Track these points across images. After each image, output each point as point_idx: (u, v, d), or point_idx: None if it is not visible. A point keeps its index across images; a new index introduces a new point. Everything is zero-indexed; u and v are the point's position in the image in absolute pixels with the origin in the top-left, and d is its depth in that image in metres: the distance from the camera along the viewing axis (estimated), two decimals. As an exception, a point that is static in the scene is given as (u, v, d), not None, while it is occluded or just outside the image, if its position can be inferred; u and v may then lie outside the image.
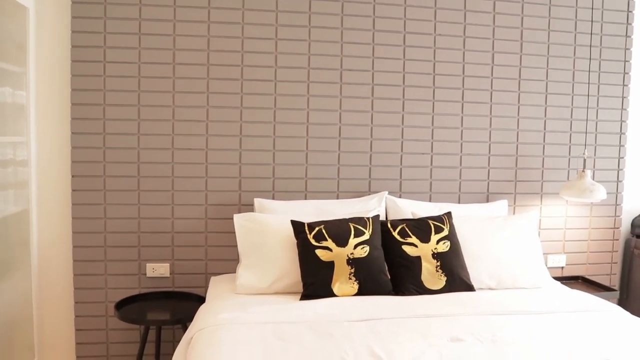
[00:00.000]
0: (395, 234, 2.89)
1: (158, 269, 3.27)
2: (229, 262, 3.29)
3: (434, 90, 3.48)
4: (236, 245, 3.01)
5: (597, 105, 3.73)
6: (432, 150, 3.50)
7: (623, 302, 3.87)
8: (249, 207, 3.28)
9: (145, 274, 3.26)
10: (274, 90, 3.30)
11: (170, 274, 3.29)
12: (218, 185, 3.29)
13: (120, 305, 3.08)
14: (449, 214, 3.06)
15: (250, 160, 3.30)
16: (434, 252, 2.84)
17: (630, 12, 3.76)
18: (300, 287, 2.75)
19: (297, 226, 2.82)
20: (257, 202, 3.21)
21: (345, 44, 3.36)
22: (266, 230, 2.92)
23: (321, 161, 3.38)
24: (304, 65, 3.32)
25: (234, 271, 3.13)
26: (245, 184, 3.31)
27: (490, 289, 3.00)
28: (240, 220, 2.99)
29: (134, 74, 3.17)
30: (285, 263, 2.83)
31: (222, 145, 3.27)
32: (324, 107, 3.36)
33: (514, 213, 3.63)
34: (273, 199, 3.32)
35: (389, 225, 2.94)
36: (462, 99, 3.52)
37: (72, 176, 3.17)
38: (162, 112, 3.20)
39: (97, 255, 3.21)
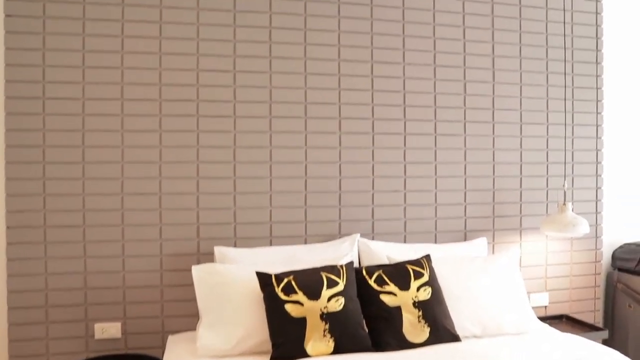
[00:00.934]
0: (371, 282, 2.63)
1: (108, 330, 2.92)
2: (188, 318, 2.96)
3: (404, 123, 3.27)
4: (196, 299, 2.69)
5: (573, 135, 3.59)
6: (405, 187, 3.28)
7: (609, 339, 3.68)
8: (209, 257, 2.98)
9: (94, 336, 2.90)
10: (233, 127, 3.04)
11: (122, 334, 2.94)
12: (174, 233, 2.98)
13: (65, 373, 2.73)
14: (428, 257, 2.82)
15: (209, 205, 3.01)
16: (414, 301, 2.59)
17: (599, 39, 3.66)
18: (269, 347, 2.45)
19: (264, 278, 2.53)
20: (218, 250, 2.92)
21: (309, 75, 3.13)
22: (228, 283, 2.62)
23: (287, 203, 3.11)
24: (265, 99, 3.08)
25: (194, 328, 2.82)
26: (204, 231, 3.01)
27: (475, 337, 2.76)
28: (199, 273, 2.68)
29: (78, 111, 2.87)
30: (251, 320, 2.53)
31: (177, 189, 2.97)
32: (288, 144, 3.11)
33: (493, 251, 3.42)
34: (235, 246, 3.03)
35: (364, 272, 2.67)
36: (435, 131, 3.32)
37: (7, 227, 2.81)
38: (109, 154, 2.90)
39: (37, 316, 2.84)
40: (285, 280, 2.49)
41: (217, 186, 3.02)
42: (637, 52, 3.88)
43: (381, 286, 2.61)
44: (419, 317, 2.56)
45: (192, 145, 2.99)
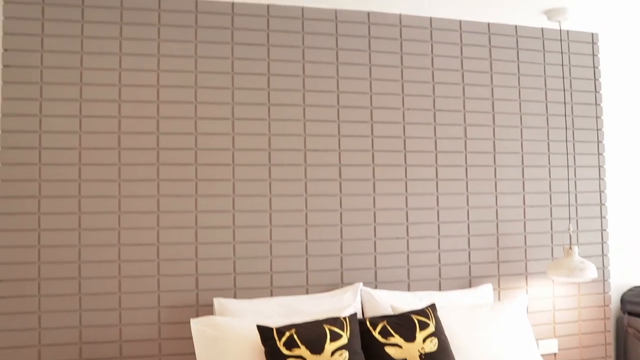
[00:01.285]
0: (376, 333, 2.55)
1: (104, 387, 2.82)
2: (187, 373, 2.87)
3: (405, 169, 3.23)
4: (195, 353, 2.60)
5: (575, 176, 3.55)
6: (407, 234, 3.21)
7: (621, 388, 3.57)
8: (209, 308, 2.90)
9: (89, 393, 2.80)
10: (232, 176, 3.00)
11: (119, 391, 2.84)
12: (172, 285, 2.90)
13: None
14: (433, 307, 2.74)
15: (208, 255, 2.94)
16: (421, 353, 2.50)
17: (597, 80, 3.66)
18: (270, 404, 2.35)
19: (265, 332, 2.44)
20: (217, 302, 2.83)
21: (308, 121, 3.11)
22: (229, 337, 2.53)
23: (287, 252, 3.04)
24: (264, 146, 3.04)
25: (194, 384, 2.72)
26: (204, 282, 2.93)
27: (484, 389, 2.66)
28: (198, 326, 2.60)
29: (74, 161, 2.82)
30: (252, 376, 2.44)
31: (175, 239, 2.91)
32: (288, 192, 3.06)
33: (499, 297, 3.34)
34: (235, 297, 2.95)
35: (368, 323, 2.59)
36: (437, 176, 3.28)
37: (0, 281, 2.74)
38: (105, 204, 2.84)
39: (30, 374, 2.75)
40: (287, 333, 2.41)
41: (216, 236, 2.96)
42: (634, 91, 3.87)
43: (386, 338, 2.53)
44: (426, 370, 2.47)
45: (190, 194, 2.94)
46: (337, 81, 3.16)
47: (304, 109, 3.11)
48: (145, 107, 2.91)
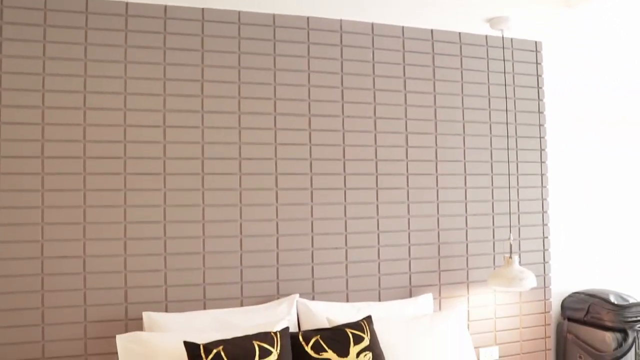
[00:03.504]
0: (308, 348, 2.48)
1: (25, 406, 2.68)
2: (115, 389, 2.75)
3: (344, 177, 3.17)
4: (123, 370, 2.49)
5: (518, 184, 3.54)
6: (346, 244, 3.15)
7: (561, 395, 3.59)
8: (138, 322, 2.78)
9: (9, 414, 2.66)
10: (164, 185, 2.88)
11: (41, 410, 2.70)
12: (100, 298, 2.77)
13: None
14: (368, 319, 2.69)
15: (138, 267, 2.82)
16: (354, 368, 2.44)
17: (541, 88, 3.66)
18: None
19: (192, 348, 2.34)
20: (146, 316, 2.72)
21: (243, 129, 3.02)
22: (155, 354, 2.44)
23: (221, 264, 2.94)
24: (197, 155, 2.94)
25: (121, 401, 2.60)
26: (133, 295, 2.81)
27: (420, 402, 2.62)
28: (124, 343, 2.49)
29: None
30: (178, 395, 2.34)
31: (102, 251, 2.78)
32: (221, 202, 2.96)
33: (440, 306, 3.31)
34: (166, 310, 2.84)
35: (300, 338, 2.52)
36: (377, 185, 3.23)
37: None
38: (25, 215, 2.70)
39: (-56, 396, 2.60)
40: (215, 351, 2.32)
41: (147, 247, 2.84)
42: (577, 99, 3.90)
43: (318, 353, 2.46)
44: (358, 385, 2.41)
45: (118, 204, 2.81)
46: (274, 87, 3.08)
47: (239, 116, 3.01)
48: (71, 113, 2.78)
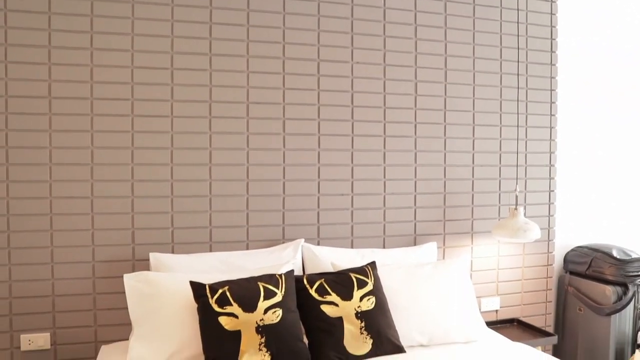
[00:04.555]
0: (312, 291, 2.51)
1: (36, 341, 2.74)
2: (123, 327, 2.80)
3: (352, 124, 3.15)
4: (129, 309, 2.54)
5: (526, 137, 3.52)
6: (352, 191, 3.16)
7: (559, 343, 3.64)
8: (145, 263, 2.82)
9: (20, 348, 2.72)
10: (171, 128, 2.88)
11: (52, 345, 2.76)
12: (108, 239, 2.81)
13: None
14: (372, 265, 2.71)
15: (145, 209, 2.85)
16: (357, 311, 2.47)
17: (554, 39, 3.60)
18: (203, 361, 2.31)
19: (197, 288, 2.38)
20: (153, 257, 2.76)
21: (251, 73, 2.99)
22: (161, 293, 2.47)
23: (227, 207, 2.96)
24: (205, 98, 2.92)
25: (129, 338, 2.66)
26: (140, 236, 2.85)
27: (421, 346, 2.68)
28: (131, 282, 2.52)
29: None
30: (184, 333, 2.39)
31: (110, 192, 2.80)
32: (229, 146, 2.96)
33: (444, 256, 3.34)
34: (173, 252, 2.88)
35: (305, 281, 2.55)
36: (384, 132, 3.21)
37: None
38: (35, 154, 2.71)
39: (-44, 329, 2.66)
40: (220, 291, 2.35)
41: (154, 189, 2.85)
42: (591, 54, 3.83)
43: (322, 296, 2.49)
44: (361, 328, 2.45)
45: (126, 146, 2.81)
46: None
47: (247, 60, 2.98)
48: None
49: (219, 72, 2.93)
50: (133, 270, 2.81)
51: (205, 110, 2.92)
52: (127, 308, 2.56)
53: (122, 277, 2.66)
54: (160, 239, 2.87)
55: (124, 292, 2.59)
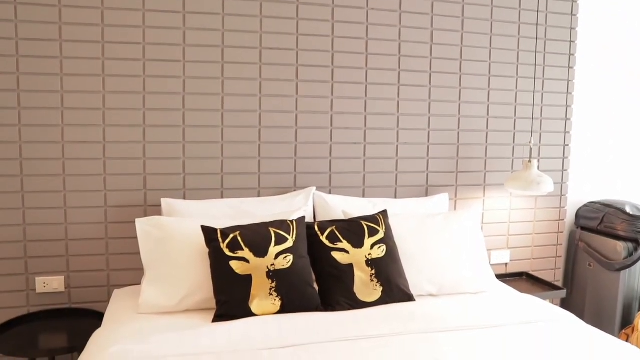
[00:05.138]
0: (323, 238, 2.52)
1: (50, 283, 2.78)
2: (135, 272, 2.83)
3: (366, 72, 3.10)
4: (141, 253, 2.56)
5: (543, 89, 3.46)
6: (365, 140, 3.13)
7: (568, 297, 3.66)
8: (157, 209, 2.83)
9: (35, 290, 2.77)
10: (182, 73, 2.84)
11: (66, 288, 2.81)
12: (119, 184, 2.81)
13: (4, 328, 2.60)
14: (384, 213, 2.71)
15: (157, 154, 2.84)
16: (367, 259, 2.48)
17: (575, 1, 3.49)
18: (214, 305, 2.33)
19: (209, 233, 2.39)
20: (165, 202, 2.77)
21: (265, 18, 2.93)
22: (173, 238, 2.49)
23: (239, 154, 2.94)
24: (216, 43, 2.87)
25: (140, 282, 2.69)
26: (152, 182, 2.85)
27: (431, 295, 2.69)
28: (143, 226, 2.54)
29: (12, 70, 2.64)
30: (196, 277, 2.41)
31: (122, 137, 2.79)
32: (241, 92, 2.92)
33: (455, 207, 3.33)
34: (184, 198, 2.88)
35: (316, 228, 2.55)
36: (398, 81, 3.16)
37: (-61, 176, 2.64)
38: (48, 99, 2.69)
39: (-27, 270, 2.70)
40: (231, 235, 2.36)
41: (165, 135, 2.84)
42: (610, 15, 3.72)
43: (333, 243, 2.50)
44: (371, 275, 2.46)
45: (138, 91, 2.79)
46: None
47: (260, 3, 2.92)
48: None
49: (232, 16, 2.88)
50: (145, 216, 2.82)
51: (217, 55, 2.87)
52: (139, 253, 2.59)
53: (134, 222, 2.68)
54: (172, 184, 2.87)
55: (136, 237, 2.62)
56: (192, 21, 2.83)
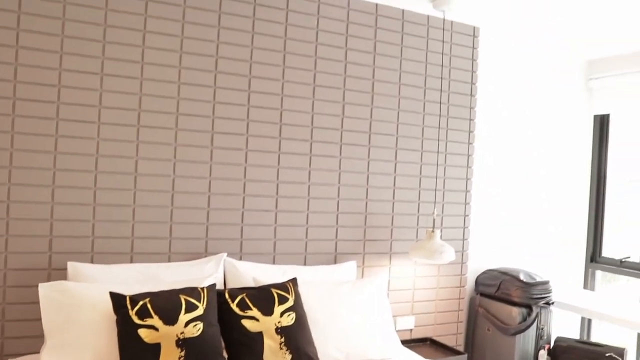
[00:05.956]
0: (234, 305, 2.53)
1: None
2: (33, 339, 2.67)
3: (279, 141, 3.20)
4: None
5: (445, 162, 3.69)
6: (276, 207, 3.20)
7: (468, 363, 3.81)
8: (62, 272, 2.73)
9: None
10: (97, 134, 2.82)
11: (-46, 357, 2.63)
12: (23, 246, 2.70)
13: None
14: (294, 281, 2.77)
15: (65, 216, 2.76)
16: (277, 327, 2.51)
17: (474, 72, 3.80)
18: (119, 375, 2.27)
19: (118, 299, 2.34)
20: (71, 266, 2.68)
21: (182, 85, 2.98)
22: (79, 304, 2.41)
23: (151, 218, 2.92)
24: (134, 106, 2.88)
25: (39, 351, 2.56)
26: (58, 244, 2.76)
27: (338, 362, 2.73)
28: (46, 291, 2.45)
29: None
30: (101, 345, 2.34)
31: (28, 197, 2.70)
32: (155, 157, 2.93)
33: (362, 274, 3.43)
34: (92, 262, 2.81)
35: (226, 295, 2.56)
36: (310, 151, 3.28)
37: None
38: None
39: None
40: (141, 302, 2.33)
41: (75, 196, 2.77)
42: (507, 85, 4.06)
43: (244, 311, 2.51)
44: (280, 343, 2.48)
45: (49, 150, 2.73)
46: (217, 45, 3.05)
47: (179, 71, 2.98)
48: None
49: (148, 80, 2.91)
50: (49, 280, 2.71)
51: (134, 118, 2.88)
52: (39, 319, 2.48)
53: (36, 286, 2.57)
54: (79, 247, 2.79)
55: (38, 303, 2.51)
56: (110, 84, 2.84)
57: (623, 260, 4.21)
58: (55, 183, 2.74)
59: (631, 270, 4.14)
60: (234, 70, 3.08)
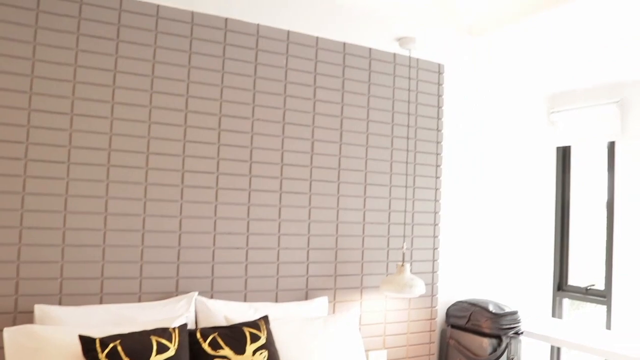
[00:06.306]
0: (205, 345, 2.52)
1: None
2: (-4, 386, 2.63)
3: (250, 179, 3.23)
4: (7, 364, 2.40)
5: (414, 197, 3.76)
6: (247, 245, 3.21)
7: (440, 396, 3.82)
8: (29, 316, 2.69)
9: None
10: (67, 174, 2.80)
11: None
12: (-13, 289, 2.66)
13: None
14: (265, 318, 2.77)
15: (32, 257, 2.72)
16: (250, 366, 2.50)
17: (440, 108, 3.90)
18: (87, 421, 2.23)
19: (87, 343, 2.31)
20: (39, 309, 2.63)
21: (153, 124, 3.00)
22: (47, 349, 2.37)
23: (120, 258, 2.90)
24: (104, 146, 2.88)
25: (1, 399, 2.51)
26: (25, 287, 2.71)
27: (310, 400, 2.73)
28: (12, 335, 2.40)
29: None
30: (69, 390, 2.30)
31: (-5, 239, 2.67)
32: (125, 196, 2.92)
33: (334, 310, 3.44)
34: (60, 304, 2.77)
35: (198, 335, 2.55)
36: (280, 188, 3.31)
37: None
38: None
39: None
40: (111, 345, 2.30)
41: (42, 238, 2.74)
42: (471, 121, 4.18)
43: (215, 350, 2.50)
44: (253, 382, 2.48)
45: (17, 191, 2.71)
46: (187, 85, 3.09)
47: (150, 110, 2.99)
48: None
49: (119, 120, 2.92)
50: (15, 324, 2.66)
51: (104, 158, 2.88)
52: (2, 366, 2.43)
53: (1, 330, 2.52)
54: (47, 289, 2.75)
55: (1, 348, 2.45)
56: (79, 123, 2.84)
57: (588, 287, 4.32)
58: (22, 224, 2.71)
59: (596, 298, 4.24)
60: (204, 109, 3.12)
